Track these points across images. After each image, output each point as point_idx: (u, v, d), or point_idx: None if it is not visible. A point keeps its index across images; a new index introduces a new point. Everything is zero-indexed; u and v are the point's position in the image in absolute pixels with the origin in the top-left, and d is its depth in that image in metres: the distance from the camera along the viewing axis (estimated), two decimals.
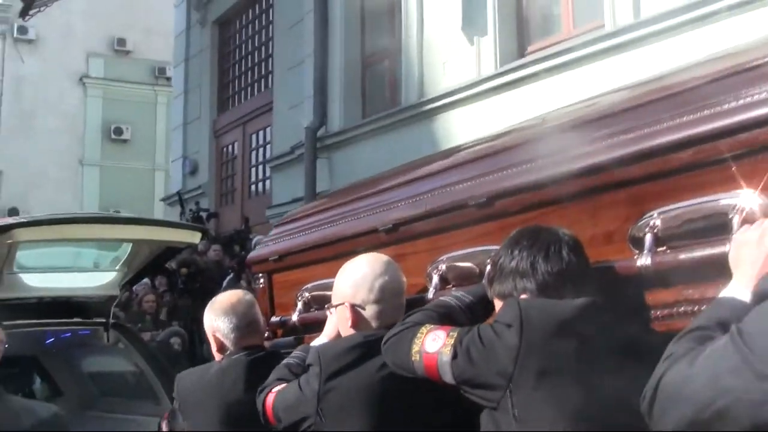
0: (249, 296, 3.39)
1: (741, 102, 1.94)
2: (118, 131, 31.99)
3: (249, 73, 15.24)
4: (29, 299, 6.08)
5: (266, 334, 3.51)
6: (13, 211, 29.80)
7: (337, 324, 2.78)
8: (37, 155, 30.31)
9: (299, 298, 3.47)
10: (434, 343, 2.18)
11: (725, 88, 2.01)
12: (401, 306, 2.65)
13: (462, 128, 9.19)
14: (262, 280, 3.84)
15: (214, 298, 3.40)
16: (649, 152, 2.12)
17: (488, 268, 2.33)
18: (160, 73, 31.68)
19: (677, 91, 2.19)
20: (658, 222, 2.12)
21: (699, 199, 2.02)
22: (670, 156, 2.08)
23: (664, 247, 2.12)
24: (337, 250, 3.22)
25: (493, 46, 8.85)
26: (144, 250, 6.17)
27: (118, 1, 29.21)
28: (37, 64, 30.40)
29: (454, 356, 2.12)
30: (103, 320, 6.55)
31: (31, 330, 6.47)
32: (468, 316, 2.39)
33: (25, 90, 30.94)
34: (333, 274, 2.82)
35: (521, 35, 8.93)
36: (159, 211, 23.24)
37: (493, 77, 8.73)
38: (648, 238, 2.12)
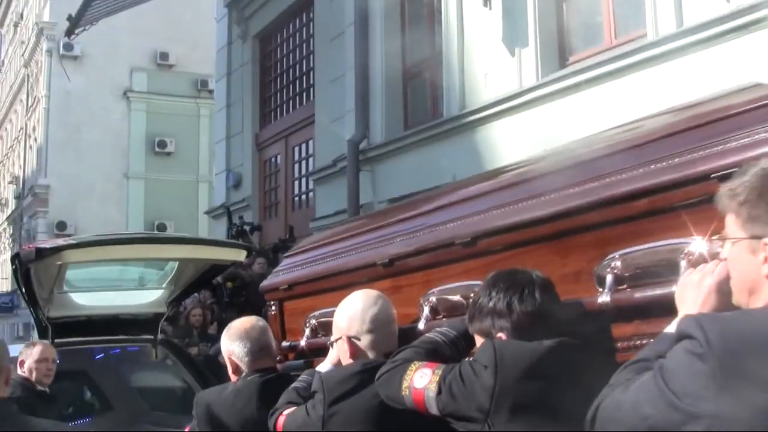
0: (262, 322, 3.61)
1: (689, 157, 2.18)
2: (162, 144, 32.41)
3: (290, 86, 15.33)
4: (79, 317, 6.19)
5: (278, 357, 3.75)
6: (61, 225, 30.33)
7: (338, 355, 3.03)
8: (83, 169, 30.83)
9: (307, 325, 3.73)
10: (422, 380, 2.44)
11: (676, 144, 2.26)
12: (393, 333, 2.93)
13: (504, 140, 9.18)
14: (273, 308, 4.11)
15: (230, 324, 3.63)
16: (612, 200, 2.36)
17: (469, 306, 2.55)
18: (202, 86, 32.09)
19: (637, 144, 2.46)
20: (618, 263, 2.35)
21: (653, 244, 2.24)
22: (629, 203, 2.32)
23: (624, 286, 2.34)
24: (341, 282, 3.51)
25: (534, 57, 8.82)
26: (190, 268, 6.26)
27: (161, 17, 29.57)
28: (82, 79, 30.91)
29: (439, 392, 2.38)
30: (151, 337, 6.65)
31: (82, 347, 6.59)
32: (452, 349, 2.64)
33: (71, 105, 31.49)
34: (337, 303, 3.09)
35: (562, 46, 8.89)
36: (203, 223, 23.50)
37: (534, 88, 8.70)
38: (609, 278, 2.36)
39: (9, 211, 40.50)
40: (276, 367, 3.60)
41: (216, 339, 9.64)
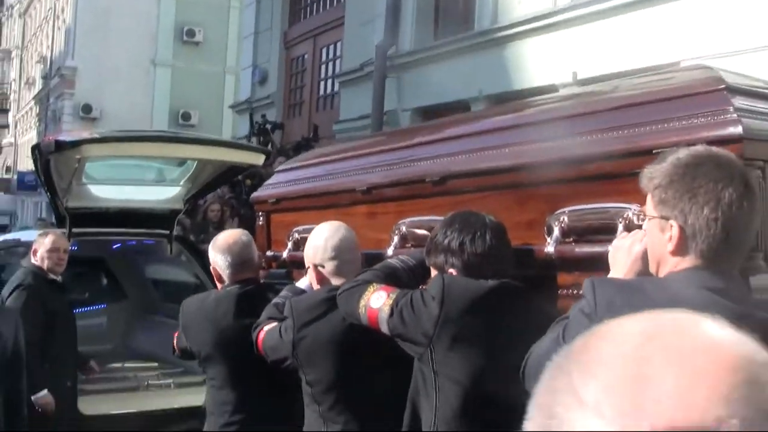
0: (246, 237, 3.77)
1: (636, 131, 2.39)
2: (191, 33, 32.13)
3: None
4: (97, 208, 6.25)
5: (262, 266, 4.03)
6: (86, 108, 30.42)
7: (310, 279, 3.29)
8: (110, 53, 30.71)
9: (290, 238, 3.99)
10: (377, 301, 2.68)
11: (628, 117, 2.46)
12: (356, 260, 3.17)
13: (533, 59, 9.04)
14: (261, 218, 4.36)
15: (216, 236, 3.86)
16: (565, 160, 2.58)
17: (428, 241, 2.77)
18: None
19: (594, 110, 2.67)
20: (566, 218, 2.58)
21: (598, 205, 2.46)
22: (581, 165, 2.55)
23: (569, 239, 2.57)
24: (323, 202, 3.81)
25: None
26: (208, 167, 6.27)
27: None
28: None
29: (391, 314, 2.63)
30: (167, 232, 6.72)
31: (98, 238, 6.68)
32: (409, 276, 2.89)
33: None
34: (319, 220, 3.44)
35: None
36: (228, 115, 23.48)
37: (568, 9, 8.52)
38: (556, 230, 2.59)
39: (36, 91, 40.59)
40: (257, 278, 3.80)
41: None
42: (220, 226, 9.86)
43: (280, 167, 4.66)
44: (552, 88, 8.72)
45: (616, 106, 2.58)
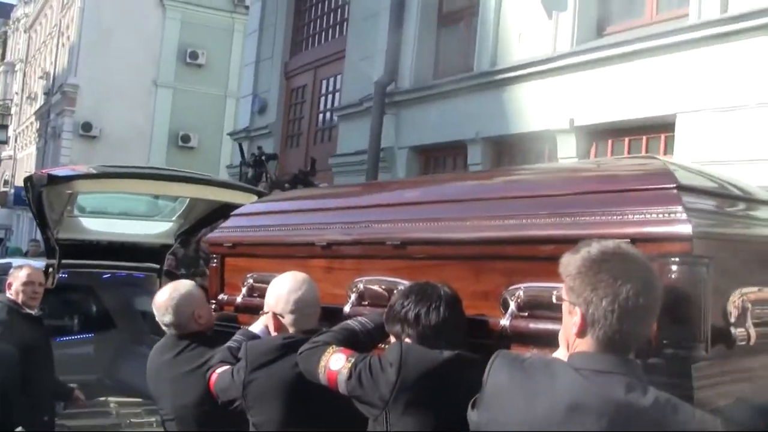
0: (183, 291, 3.87)
1: (589, 219, 2.53)
2: (194, 55, 32.26)
3: (325, 17, 15.15)
4: (87, 241, 6.24)
5: (213, 307, 4.14)
6: (86, 126, 30.47)
7: (266, 323, 3.46)
8: (113, 73, 30.78)
9: (244, 284, 4.05)
10: (336, 363, 2.82)
11: (583, 203, 2.59)
12: (314, 314, 3.32)
13: (531, 102, 9.07)
14: (216, 261, 4.40)
15: (155, 296, 3.92)
16: (523, 239, 2.70)
17: (387, 308, 2.89)
18: (239, 1, 31.78)
19: (552, 194, 2.77)
20: (521, 293, 2.68)
21: (552, 284, 2.48)
22: (537, 246, 2.65)
23: (525, 313, 2.66)
24: (281, 252, 3.88)
25: (571, 22, 8.65)
26: (201, 205, 6.29)
27: None
28: None
29: (349, 377, 2.76)
30: (157, 266, 6.71)
31: (88, 270, 6.67)
32: (367, 339, 3.02)
33: (106, 7, 31.29)
34: (274, 269, 3.61)
35: (601, 14, 8.69)
36: (227, 139, 23.46)
37: (568, 55, 8.55)
38: (512, 305, 2.69)
39: (37, 106, 40.67)
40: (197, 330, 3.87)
41: None
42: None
43: (236, 211, 4.66)
44: (548, 134, 8.77)
45: (574, 192, 2.71)
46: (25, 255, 14.69)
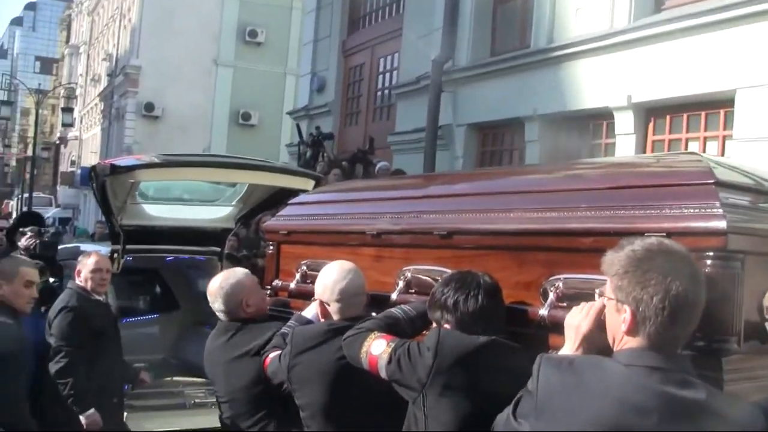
0: (232, 280, 3.97)
1: (631, 213, 2.56)
2: (253, 34, 32.46)
3: None
4: (150, 226, 6.39)
5: (268, 292, 4.25)
6: (149, 106, 30.95)
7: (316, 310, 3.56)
8: (174, 53, 31.18)
9: (298, 270, 4.14)
10: (378, 348, 2.92)
11: (624, 198, 2.63)
12: (359, 303, 3.40)
13: (588, 79, 9.00)
14: (272, 247, 4.50)
15: (209, 284, 4.03)
16: (565, 231, 2.75)
17: (429, 296, 2.97)
18: None
19: (593, 188, 2.84)
20: (561, 284, 2.74)
21: (590, 276, 2.57)
22: (578, 237, 2.70)
23: (564, 304, 2.68)
24: (333, 240, 3.96)
25: None
26: (260, 189, 6.39)
27: None
28: None
29: (389, 361, 2.86)
30: (218, 250, 6.84)
31: (151, 255, 6.84)
32: (409, 326, 3.11)
33: None
34: (327, 256, 3.73)
35: None
36: (287, 117, 23.66)
37: (625, 31, 8.46)
38: (551, 295, 2.75)
39: (101, 88, 41.41)
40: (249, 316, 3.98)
41: None
42: None
43: (292, 200, 4.77)
44: (606, 111, 8.70)
45: (615, 185, 2.76)
46: (92, 236, 15.03)
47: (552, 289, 2.76)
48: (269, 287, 4.34)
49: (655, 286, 2.03)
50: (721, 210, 2.33)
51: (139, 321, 8.22)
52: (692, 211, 2.40)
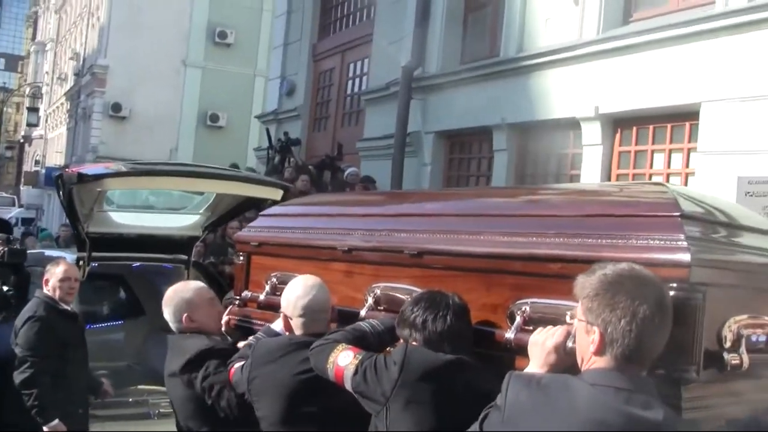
0: (181, 294, 4.13)
1: (596, 241, 2.62)
2: (223, 35, 32.27)
3: (353, 0, 15.14)
4: (117, 234, 6.35)
5: (237, 302, 4.34)
6: (116, 107, 30.69)
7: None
8: (142, 53, 30.90)
9: (268, 282, 4.16)
10: (344, 359, 2.98)
11: (592, 226, 2.68)
12: (323, 319, 3.45)
13: (557, 88, 9.07)
14: (242, 258, 4.51)
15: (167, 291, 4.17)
16: (532, 257, 2.79)
17: (399, 313, 3.02)
18: None
19: (562, 215, 2.88)
20: (528, 308, 2.79)
21: (557, 301, 2.65)
22: (544, 264, 2.74)
23: (530, 327, 2.72)
24: (304, 253, 3.98)
25: (598, 9, 8.61)
26: (228, 199, 6.38)
27: None
28: None
29: (355, 373, 2.92)
30: (185, 258, 6.81)
31: (118, 262, 6.79)
32: (376, 340, 3.16)
33: None
34: (297, 269, 3.80)
35: (628, 1, 8.66)
36: (255, 122, 23.60)
37: (594, 42, 8.53)
38: (518, 318, 2.79)
39: (68, 87, 41.01)
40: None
41: None
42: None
43: (264, 211, 4.79)
44: (573, 121, 8.77)
45: (583, 214, 2.82)
46: (57, 240, 14.89)
47: (519, 312, 2.80)
48: (238, 298, 4.37)
49: (623, 309, 2.11)
50: (685, 243, 2.39)
51: (103, 327, 8.16)
52: (657, 242, 2.46)
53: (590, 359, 2.19)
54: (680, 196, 2.66)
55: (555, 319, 2.61)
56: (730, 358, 2.48)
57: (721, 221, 2.76)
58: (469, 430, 2.33)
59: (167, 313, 4.10)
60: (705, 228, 2.59)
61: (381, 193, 4.92)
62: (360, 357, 2.95)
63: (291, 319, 3.44)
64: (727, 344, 2.50)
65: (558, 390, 2.17)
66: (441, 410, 2.74)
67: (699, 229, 2.53)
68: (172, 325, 4.11)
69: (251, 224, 4.70)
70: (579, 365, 2.26)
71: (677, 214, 2.50)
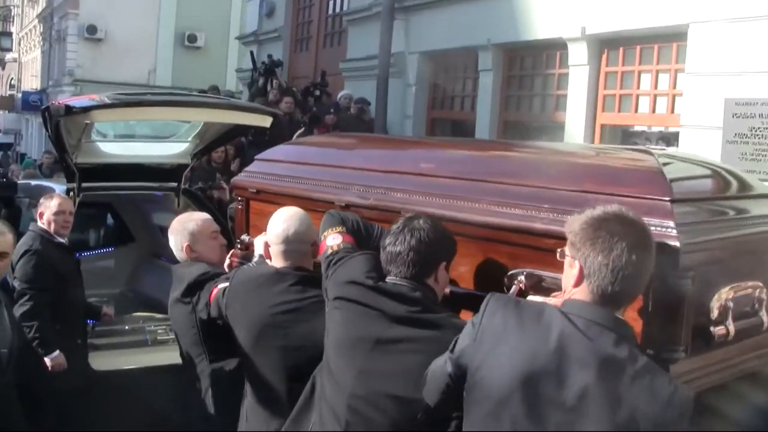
0: (183, 224, 4.18)
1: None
2: None
3: None
4: (105, 164, 6.33)
5: (238, 245, 4.36)
6: (91, 29, 30.09)
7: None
8: None
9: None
10: (332, 240, 3.11)
11: (584, 202, 2.64)
12: (303, 251, 3.40)
13: (543, 9, 9.01)
14: (241, 203, 4.54)
15: (175, 221, 4.24)
16: (528, 230, 2.85)
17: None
18: None
19: (555, 188, 2.90)
20: (523, 277, 2.86)
21: (551, 273, 2.74)
22: (542, 238, 2.79)
23: (529, 296, 2.76)
24: (301, 204, 3.82)
25: None
26: (216, 126, 6.36)
27: None
28: None
29: (326, 256, 3.09)
30: (174, 185, 6.81)
31: (108, 192, 6.78)
32: (368, 242, 3.20)
33: None
34: None
35: None
36: (234, 43, 23.31)
37: None
38: (514, 287, 2.86)
39: (40, 9, 40.11)
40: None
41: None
42: (225, 169, 9.95)
43: (261, 155, 4.70)
44: (560, 41, 8.72)
45: (578, 189, 2.84)
46: (40, 167, 14.78)
47: (515, 281, 2.88)
48: (239, 241, 4.40)
49: (602, 244, 2.18)
50: (675, 231, 2.47)
51: (94, 255, 8.19)
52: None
53: (571, 290, 2.28)
54: (670, 164, 2.75)
55: (548, 289, 2.72)
56: (717, 330, 2.59)
57: (709, 194, 2.84)
58: (440, 357, 2.44)
59: (171, 242, 4.17)
60: (695, 207, 2.66)
61: (379, 139, 4.80)
62: (342, 248, 3.07)
63: (270, 246, 3.46)
64: (714, 316, 2.61)
65: (531, 315, 2.26)
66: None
67: (688, 210, 2.60)
68: (176, 254, 4.17)
69: (248, 169, 4.68)
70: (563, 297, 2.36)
71: (667, 198, 2.56)
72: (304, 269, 3.39)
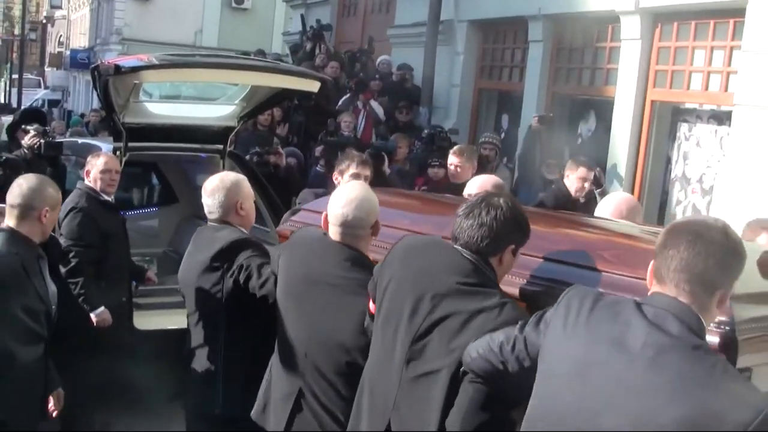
0: (233, 179, 4.05)
1: None
2: None
3: None
4: (152, 124, 6.35)
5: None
6: None
7: None
8: None
9: None
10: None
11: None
12: (362, 236, 3.35)
13: None
14: None
15: (210, 179, 4.04)
16: None
17: None
18: None
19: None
20: None
21: None
22: None
23: None
24: None
25: None
26: (264, 89, 6.35)
27: None
28: None
29: None
30: (220, 147, 6.82)
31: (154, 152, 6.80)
32: None
33: None
34: None
35: None
36: (280, 5, 23.25)
37: None
38: None
39: None
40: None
41: (285, 141, 9.84)
42: (270, 132, 9.94)
43: (307, 205, 4.59)
44: (612, 14, 8.58)
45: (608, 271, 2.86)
46: (87, 125, 14.91)
47: None
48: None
49: (674, 242, 2.21)
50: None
51: (138, 214, 8.25)
52: None
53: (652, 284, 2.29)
54: None
55: None
56: None
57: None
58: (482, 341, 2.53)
59: (216, 198, 3.91)
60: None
61: (433, 201, 4.45)
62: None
63: (329, 225, 3.38)
64: None
65: (614, 301, 2.29)
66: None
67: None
68: (213, 213, 3.94)
69: (294, 218, 4.47)
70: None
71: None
72: (357, 249, 3.33)
